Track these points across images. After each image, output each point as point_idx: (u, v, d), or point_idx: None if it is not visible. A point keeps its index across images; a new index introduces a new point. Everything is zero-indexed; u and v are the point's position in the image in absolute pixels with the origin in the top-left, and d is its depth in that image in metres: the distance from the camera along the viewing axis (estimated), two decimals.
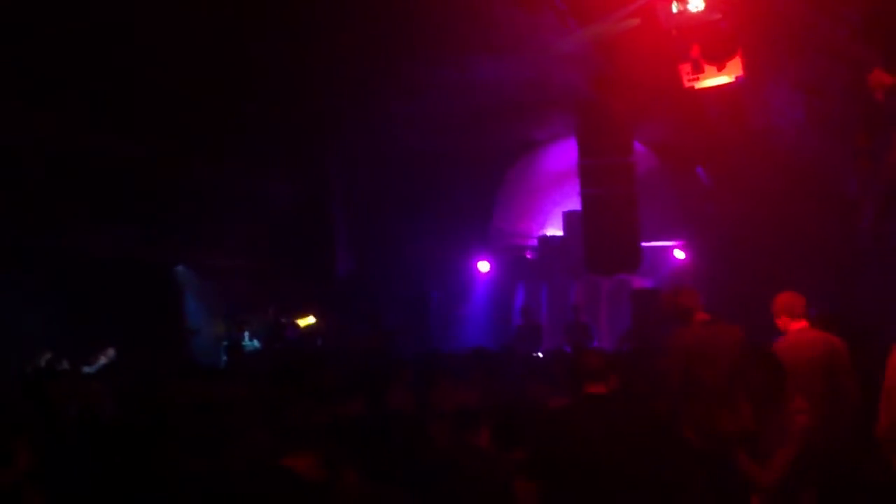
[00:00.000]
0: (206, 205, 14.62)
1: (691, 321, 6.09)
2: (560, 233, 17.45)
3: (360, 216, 15.45)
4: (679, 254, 14.94)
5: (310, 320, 14.99)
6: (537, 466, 4.41)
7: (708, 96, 10.51)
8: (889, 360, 5.25)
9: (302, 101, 13.40)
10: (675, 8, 9.16)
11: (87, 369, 10.12)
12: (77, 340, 11.82)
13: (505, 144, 15.91)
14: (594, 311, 15.48)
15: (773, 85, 10.21)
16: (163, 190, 13.51)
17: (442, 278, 16.76)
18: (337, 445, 4.20)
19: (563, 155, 15.05)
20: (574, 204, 14.52)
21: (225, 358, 13.95)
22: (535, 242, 17.74)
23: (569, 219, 16.07)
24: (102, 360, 10.49)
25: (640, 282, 15.44)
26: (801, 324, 5.93)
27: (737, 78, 9.43)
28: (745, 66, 9.25)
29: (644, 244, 12.95)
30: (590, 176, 12.78)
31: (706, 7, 8.88)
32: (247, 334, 14.55)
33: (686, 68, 9.61)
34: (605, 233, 12.68)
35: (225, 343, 14.45)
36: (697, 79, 9.61)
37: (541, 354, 13.29)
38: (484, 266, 16.68)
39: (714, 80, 9.55)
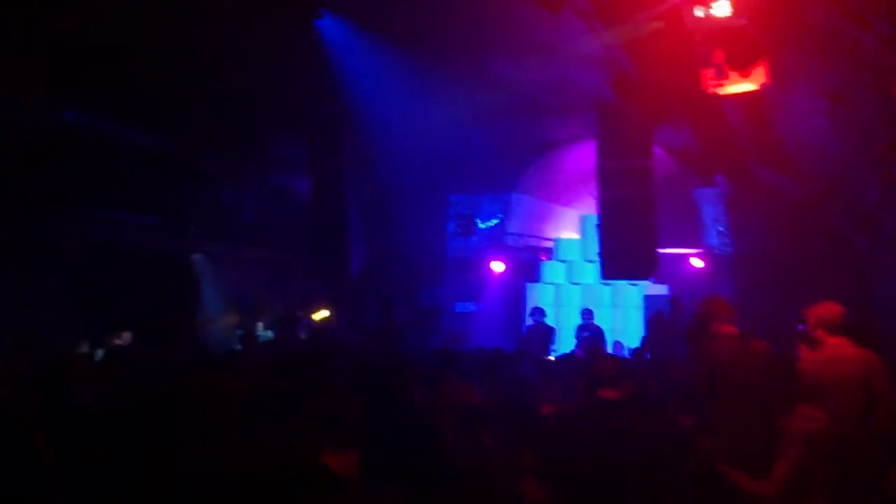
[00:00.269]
0: (222, 195, 14.68)
1: (719, 334, 6.05)
2: (576, 236, 17.41)
3: (375, 212, 15.44)
4: (696, 262, 14.84)
5: (324, 314, 14.99)
6: (549, 469, 4.38)
7: (730, 102, 10.43)
8: None
9: (319, 98, 13.44)
10: (699, 12, 9.08)
11: (100, 353, 10.10)
12: (95, 327, 11.87)
13: (523, 144, 15.87)
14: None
15: (796, 92, 10.09)
16: (179, 180, 13.56)
17: (455, 277, 16.75)
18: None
19: (581, 157, 14.97)
20: (591, 207, 14.45)
21: (239, 347, 13.97)
22: (550, 244, 17.71)
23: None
24: (116, 343, 10.48)
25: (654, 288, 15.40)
26: (839, 338, 5.70)
27: (761, 85, 9.34)
28: (770, 73, 9.16)
29: (661, 251, 12.83)
30: (607, 179, 12.65)
31: (731, 12, 8.79)
32: (261, 325, 14.56)
33: (709, 73, 9.53)
34: (621, 237, 12.56)
35: (240, 332, 14.46)
36: (721, 84, 9.53)
37: (553, 357, 13.26)
38: (498, 266, 16.64)
39: (738, 86, 9.47)
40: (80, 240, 12.80)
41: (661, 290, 15.29)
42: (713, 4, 8.95)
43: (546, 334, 14.12)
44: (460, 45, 12.03)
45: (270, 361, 8.73)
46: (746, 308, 10.73)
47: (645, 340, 13.41)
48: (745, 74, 9.17)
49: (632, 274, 13.57)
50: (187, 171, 13.71)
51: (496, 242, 17.08)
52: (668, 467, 4.25)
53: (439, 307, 16.32)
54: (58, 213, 12.42)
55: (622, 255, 12.64)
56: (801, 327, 6.09)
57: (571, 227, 17.85)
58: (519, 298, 16.66)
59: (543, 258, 17.48)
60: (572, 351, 13.45)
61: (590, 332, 13.85)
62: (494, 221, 17.29)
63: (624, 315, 16.03)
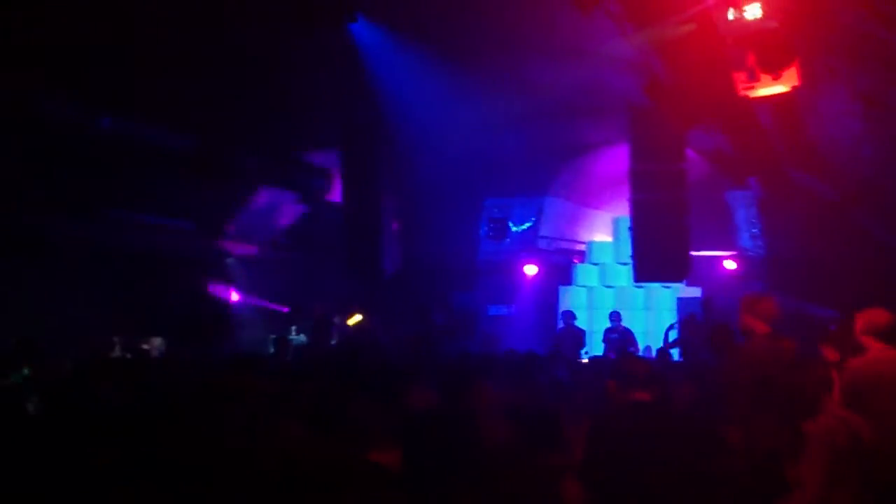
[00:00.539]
0: (256, 199, 14.84)
1: (752, 332, 6.10)
2: (609, 238, 17.41)
3: (408, 215, 15.53)
4: (729, 264, 14.80)
5: (357, 318, 15.11)
6: (586, 469, 4.44)
7: (762, 104, 10.41)
8: None
9: (353, 101, 13.56)
10: (731, 15, 9.09)
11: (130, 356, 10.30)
12: (129, 331, 12.08)
13: (556, 147, 15.89)
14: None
15: (829, 95, 10.07)
16: (213, 183, 13.72)
17: (488, 280, 16.81)
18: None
19: (614, 160, 14.98)
20: (624, 210, 14.46)
21: (273, 350, 14.13)
22: (583, 247, 17.72)
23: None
24: (146, 348, 10.66)
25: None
26: (884, 344, 5.52)
27: (793, 87, 9.33)
28: (802, 76, 9.14)
29: (693, 253, 12.82)
30: (640, 181, 12.65)
31: (763, 15, 8.79)
32: (294, 329, 14.70)
33: (741, 76, 9.53)
34: (654, 240, 12.56)
35: (273, 336, 14.62)
36: (752, 87, 9.52)
37: (585, 360, 13.29)
38: (531, 269, 16.68)
39: (770, 89, 9.45)
40: (116, 244, 13.00)
41: (694, 292, 15.26)
42: (745, 7, 8.95)
43: (577, 337, 14.17)
44: (493, 49, 12.09)
45: (302, 364, 8.85)
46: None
47: (669, 341, 13.46)
48: (776, 77, 9.15)
49: (665, 276, 13.57)
50: (222, 174, 13.85)
51: (529, 246, 17.11)
52: (700, 467, 4.30)
53: (473, 311, 16.39)
54: (94, 218, 12.63)
55: (655, 257, 12.65)
56: (832, 328, 6.09)
57: (604, 230, 17.85)
58: (552, 301, 16.68)
59: (576, 261, 17.49)
60: (603, 353, 13.50)
61: (618, 335, 13.89)
62: (527, 225, 17.33)
63: (657, 318, 16.01)
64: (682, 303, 15.08)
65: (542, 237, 17.30)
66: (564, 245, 17.76)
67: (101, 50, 10.70)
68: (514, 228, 17.33)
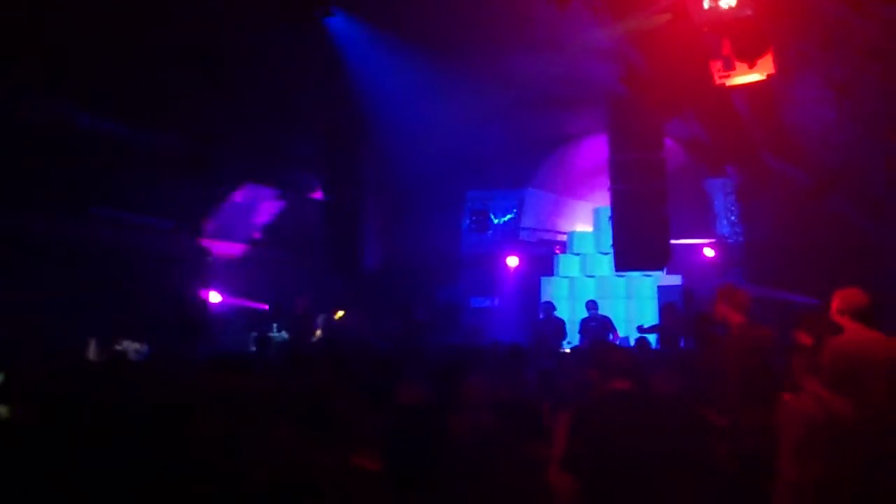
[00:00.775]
0: (236, 197, 14.82)
1: (728, 323, 6.26)
2: (589, 228, 17.49)
3: (390, 209, 15.56)
4: (708, 252, 14.91)
5: (340, 313, 15.12)
6: (571, 459, 4.49)
7: (738, 93, 10.49)
8: None
9: (333, 96, 13.55)
10: (706, 4, 9.16)
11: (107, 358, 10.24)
12: (108, 329, 12.02)
13: (536, 138, 15.95)
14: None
15: (803, 82, 10.16)
16: (194, 181, 13.70)
17: (471, 272, 16.86)
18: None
19: (593, 150, 15.05)
20: (604, 200, 14.53)
21: (255, 349, 14.11)
22: (564, 237, 17.80)
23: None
24: (120, 349, 10.61)
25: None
26: (860, 324, 5.68)
27: (768, 75, 9.41)
28: (777, 63, 9.22)
29: (673, 242, 12.91)
30: (620, 171, 12.73)
31: (737, 4, 8.87)
32: (275, 326, 14.69)
33: (717, 65, 9.61)
34: (634, 229, 12.64)
35: (254, 334, 14.60)
36: (728, 76, 9.60)
37: (568, 350, 13.38)
38: (513, 261, 16.73)
39: (745, 77, 9.54)
40: (95, 242, 12.94)
41: (674, 280, 15.37)
42: None
43: (558, 327, 14.25)
44: (472, 41, 12.11)
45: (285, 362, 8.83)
46: (757, 296, 10.83)
47: (651, 328, 13.57)
48: (752, 65, 9.24)
49: (645, 265, 13.65)
50: (202, 172, 13.82)
51: (511, 237, 17.17)
52: (685, 452, 4.36)
53: (456, 304, 16.43)
54: (71, 216, 12.58)
55: (635, 246, 12.73)
56: (806, 313, 6.18)
57: (585, 221, 17.93)
58: (534, 292, 16.75)
59: (558, 252, 17.56)
60: (580, 343, 13.62)
61: (597, 323, 13.99)
62: (509, 216, 17.39)
63: (638, 306, 16.12)
64: (663, 291, 15.18)
65: (524, 228, 17.35)
66: (546, 236, 17.82)
67: (80, 47, 10.66)
68: (495, 220, 17.38)
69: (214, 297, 15.61)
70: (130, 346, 11.44)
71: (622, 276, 15.90)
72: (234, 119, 13.30)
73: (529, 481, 4.69)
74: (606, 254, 15.54)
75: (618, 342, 13.37)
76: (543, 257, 17.37)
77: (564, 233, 17.95)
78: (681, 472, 4.33)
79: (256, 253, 16.24)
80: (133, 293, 13.08)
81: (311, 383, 6.73)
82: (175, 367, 9.03)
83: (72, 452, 4.61)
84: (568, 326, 14.53)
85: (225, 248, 15.86)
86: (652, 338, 13.40)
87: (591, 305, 14.37)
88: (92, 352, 10.94)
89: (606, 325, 14.05)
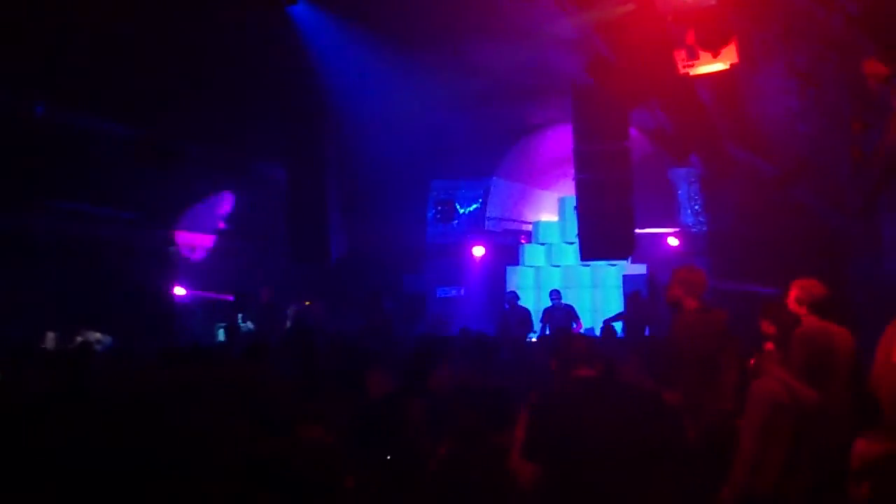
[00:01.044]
0: (200, 187, 14.68)
1: (683, 307, 6.34)
2: (555, 218, 17.53)
3: (354, 199, 15.48)
4: (673, 241, 15.00)
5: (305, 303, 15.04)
6: (531, 446, 4.49)
7: (703, 82, 10.54)
8: (879, 346, 5.29)
9: (295, 85, 13.45)
10: None
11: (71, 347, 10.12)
12: (70, 320, 11.88)
13: (501, 128, 15.94)
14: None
15: (767, 72, 10.23)
16: (155, 171, 13.55)
17: (436, 262, 16.84)
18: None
19: (559, 140, 15.07)
20: (569, 189, 14.55)
21: (223, 340, 14.05)
22: (529, 227, 17.82)
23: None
24: (82, 340, 10.48)
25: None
26: (818, 314, 5.63)
27: (731, 65, 9.46)
28: (740, 53, 9.27)
29: (638, 231, 12.97)
30: (585, 161, 12.75)
31: None
32: (240, 316, 14.59)
33: (681, 54, 9.63)
34: (599, 219, 12.68)
35: (223, 325, 14.52)
36: (692, 65, 9.64)
37: (534, 339, 13.41)
38: (479, 250, 16.73)
39: (709, 66, 9.57)
40: (55, 234, 12.79)
41: (639, 269, 15.45)
42: None
43: (523, 317, 14.28)
44: (436, 30, 12.05)
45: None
46: (720, 285, 10.92)
47: (615, 317, 13.65)
48: (715, 54, 9.27)
49: (610, 254, 13.71)
50: (163, 162, 13.67)
51: (476, 227, 17.16)
52: (646, 435, 4.38)
53: (422, 293, 16.41)
54: (31, 208, 12.40)
55: (600, 236, 12.77)
56: (769, 301, 6.24)
57: (550, 210, 17.97)
58: (500, 282, 16.77)
59: (523, 241, 17.59)
60: (545, 332, 13.66)
61: (561, 312, 14.03)
62: (474, 206, 17.37)
63: (604, 295, 16.21)
64: (628, 280, 15.27)
65: (490, 218, 17.35)
66: (511, 226, 17.84)
67: (39, 36, 10.50)
68: (461, 210, 17.35)
69: (179, 288, 15.48)
70: (92, 337, 11.30)
71: (587, 265, 15.98)
72: (196, 108, 13.15)
73: (492, 469, 4.68)
74: (572, 243, 15.60)
75: (581, 331, 13.42)
76: (509, 247, 17.40)
77: (530, 222, 17.99)
78: (644, 458, 4.34)
79: (220, 243, 16.12)
80: (95, 285, 12.95)
81: (272, 372, 6.72)
82: (138, 357, 8.93)
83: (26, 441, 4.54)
84: (533, 316, 14.56)
85: (188, 239, 15.73)
86: (618, 326, 13.48)
87: (555, 295, 14.41)
88: (50, 343, 10.80)
89: (570, 313, 14.10)
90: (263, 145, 15.21)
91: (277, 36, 12.48)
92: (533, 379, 6.69)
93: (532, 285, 16.63)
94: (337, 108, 14.02)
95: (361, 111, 13.98)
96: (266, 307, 14.37)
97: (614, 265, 15.86)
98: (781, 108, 10.48)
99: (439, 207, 17.20)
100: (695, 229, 14.65)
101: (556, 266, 16.93)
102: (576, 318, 14.06)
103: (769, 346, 5.74)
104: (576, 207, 13.21)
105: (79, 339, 10.85)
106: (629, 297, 14.35)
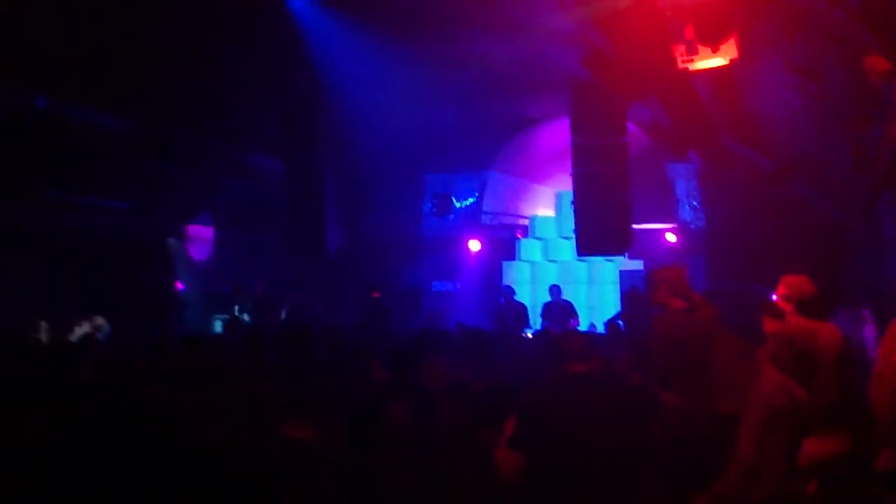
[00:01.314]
0: (196, 178, 14.63)
1: (668, 307, 6.22)
2: (551, 213, 17.47)
3: (350, 192, 15.44)
4: (670, 237, 14.95)
5: None
6: (520, 438, 4.47)
7: (701, 77, 10.48)
8: (882, 344, 5.24)
9: (292, 77, 13.40)
10: None
11: (70, 337, 10.04)
12: (66, 312, 11.82)
13: (498, 122, 15.88)
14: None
15: (767, 67, 10.16)
16: (152, 163, 13.51)
17: (432, 256, 16.78)
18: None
19: (556, 134, 15.02)
20: (566, 184, 14.50)
21: (222, 331, 14.01)
22: (526, 222, 17.77)
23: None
24: (85, 329, 10.40)
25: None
26: (807, 312, 5.66)
27: (731, 60, 9.41)
28: (740, 48, 9.22)
29: (635, 226, 12.93)
30: (582, 155, 12.73)
31: None
32: (237, 308, 14.55)
33: (680, 49, 9.60)
34: (596, 213, 12.65)
35: (224, 317, 14.48)
36: (692, 60, 9.60)
37: (529, 335, 13.35)
38: (475, 245, 16.68)
39: (708, 61, 9.54)
40: (53, 226, 12.74)
41: (636, 265, 15.39)
42: None
43: (519, 312, 14.21)
44: (434, 24, 12.00)
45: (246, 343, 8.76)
46: (719, 281, 10.88)
47: (615, 317, 13.57)
48: (714, 49, 9.24)
49: (607, 250, 13.68)
50: (160, 153, 13.64)
51: (472, 221, 17.10)
52: (636, 432, 4.37)
53: (417, 287, 16.36)
54: (29, 200, 12.36)
55: (597, 231, 12.75)
56: (774, 298, 6.14)
57: (547, 205, 17.91)
58: (496, 277, 16.72)
59: (519, 236, 17.54)
60: (544, 327, 13.57)
61: (559, 309, 13.96)
62: (471, 200, 17.30)
63: (600, 291, 16.15)
64: (625, 276, 15.20)
65: (486, 212, 17.29)
66: (507, 220, 17.78)
67: (35, 29, 10.45)
68: (457, 204, 17.29)
69: (174, 279, 15.43)
70: (94, 324, 11.23)
71: (584, 260, 15.93)
72: (192, 100, 13.11)
73: (480, 464, 4.66)
74: (568, 238, 15.54)
75: (577, 328, 13.36)
76: (505, 241, 17.35)
77: (526, 217, 17.93)
78: (630, 453, 4.34)
79: (216, 235, 16.06)
80: (91, 276, 12.89)
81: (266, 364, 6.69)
82: (134, 347, 8.88)
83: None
84: (529, 311, 14.50)
85: (184, 230, 15.67)
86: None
87: (555, 290, 14.32)
88: (43, 333, 10.73)
89: (569, 310, 14.04)
90: (260, 138, 15.17)
91: (275, 28, 12.43)
92: (528, 374, 6.67)
93: (528, 280, 16.58)
94: (333, 101, 13.97)
95: (358, 104, 13.93)
96: (261, 299, 14.33)
97: (611, 261, 15.80)
98: (781, 104, 10.42)
99: (435, 201, 17.12)
100: (693, 225, 14.61)
101: (553, 261, 16.88)
102: (574, 314, 13.99)
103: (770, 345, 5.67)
104: (573, 202, 13.17)
105: (80, 328, 10.78)
106: (626, 293, 14.30)
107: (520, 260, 17.13)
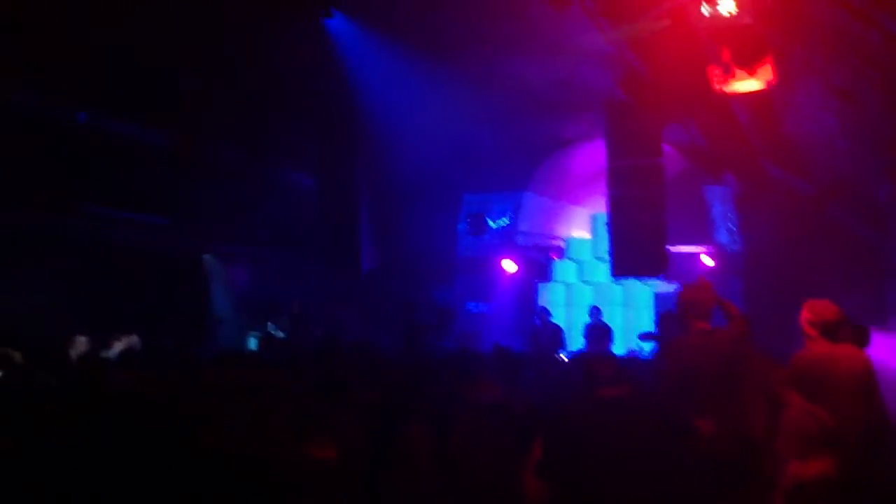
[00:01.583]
0: (233, 195, 14.77)
1: (690, 328, 6.11)
2: (587, 234, 17.41)
3: (386, 210, 15.51)
4: (707, 260, 14.82)
5: None
6: (547, 465, 4.44)
7: (738, 99, 10.42)
8: None
9: (330, 96, 13.51)
10: (705, 10, 9.09)
11: (105, 353, 10.14)
12: (103, 327, 11.95)
13: (534, 142, 15.88)
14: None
15: (805, 90, 10.10)
16: (190, 178, 13.66)
17: (466, 276, 16.78)
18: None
19: (591, 155, 14.98)
20: (602, 205, 14.45)
21: (258, 348, 14.11)
22: (561, 243, 17.71)
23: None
24: (121, 346, 10.50)
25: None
26: (833, 336, 5.49)
27: (768, 83, 9.34)
28: (777, 71, 9.15)
29: (671, 249, 12.84)
30: (617, 177, 12.67)
31: (737, 10, 8.80)
32: (271, 325, 14.64)
33: (716, 71, 9.54)
34: (631, 235, 12.58)
35: (258, 334, 14.58)
36: (728, 82, 9.53)
37: (564, 357, 13.27)
38: (509, 265, 16.64)
39: (745, 84, 9.47)
40: (91, 239, 12.90)
41: (671, 288, 15.26)
42: (719, 2, 8.95)
43: (555, 334, 14.14)
44: (471, 44, 12.08)
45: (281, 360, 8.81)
46: (756, 305, 10.77)
47: (648, 335, 13.44)
48: (751, 72, 9.17)
49: (642, 272, 13.57)
50: (199, 169, 13.79)
51: (507, 241, 17.07)
52: (666, 458, 4.31)
53: (452, 307, 16.35)
54: (69, 213, 12.53)
55: (632, 253, 12.66)
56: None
57: (582, 226, 17.84)
58: (530, 298, 16.67)
59: (554, 257, 17.47)
60: (582, 350, 13.47)
61: (598, 331, 13.86)
62: (505, 220, 17.28)
63: (636, 314, 16.03)
64: (660, 299, 15.08)
65: (521, 233, 17.26)
66: (542, 241, 17.72)
67: (76, 43, 10.63)
68: (492, 224, 17.28)
69: (210, 295, 15.58)
70: (130, 342, 11.34)
71: (619, 283, 15.82)
72: (231, 116, 13.26)
73: (510, 486, 4.64)
74: (603, 260, 15.46)
75: (611, 350, 13.27)
76: (540, 262, 17.30)
77: (561, 238, 17.87)
78: (660, 480, 4.29)
79: (252, 251, 16.19)
80: (127, 291, 13.03)
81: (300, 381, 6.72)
82: (171, 363, 8.96)
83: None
84: (564, 333, 14.42)
85: (220, 246, 15.81)
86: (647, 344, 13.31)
87: (595, 312, 14.22)
88: (81, 347, 10.84)
89: (606, 332, 13.94)
90: (298, 156, 15.30)
91: (313, 47, 12.56)
92: (558, 398, 6.63)
93: (563, 302, 16.50)
94: (370, 120, 14.06)
95: (394, 123, 14.01)
96: (297, 316, 14.40)
97: (647, 283, 15.68)
98: (819, 127, 10.35)
99: (470, 220, 17.13)
100: (729, 248, 14.48)
101: (588, 283, 16.80)
102: (610, 337, 13.87)
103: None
104: (608, 224, 13.11)
105: (119, 343, 10.89)
106: (662, 316, 14.17)
107: (555, 281, 17.06)
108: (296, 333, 14.12)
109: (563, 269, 17.17)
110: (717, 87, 9.57)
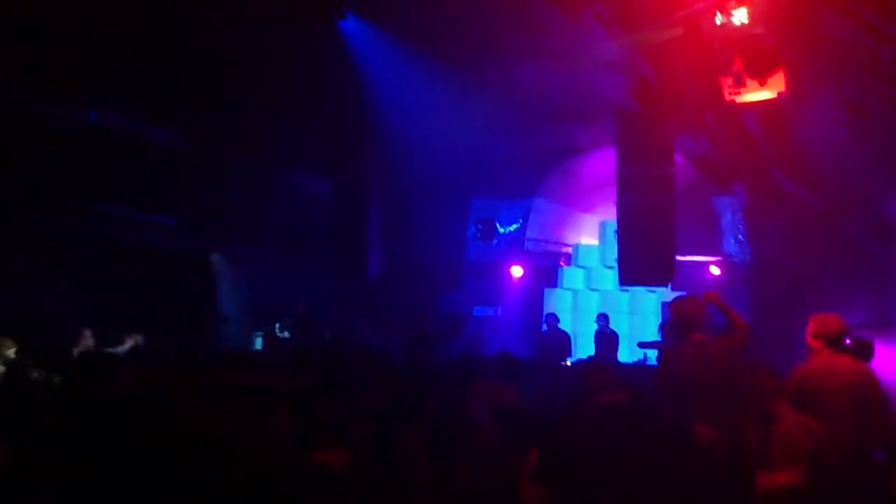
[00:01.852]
0: (242, 196, 14.81)
1: (687, 339, 6.12)
2: (595, 242, 17.40)
3: (395, 215, 15.52)
4: (714, 270, 14.81)
5: None
6: (544, 470, 4.44)
7: (749, 110, 10.42)
8: None
9: (342, 99, 13.53)
10: (718, 20, 9.10)
11: (111, 350, 10.19)
12: (110, 325, 11.99)
13: (544, 149, 15.89)
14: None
15: (815, 102, 10.09)
16: (199, 179, 13.70)
17: (474, 281, 16.78)
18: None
19: (601, 163, 14.99)
20: (611, 213, 14.45)
21: (262, 348, 14.14)
22: (569, 250, 17.70)
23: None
24: (129, 343, 10.54)
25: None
26: (836, 349, 5.61)
27: (779, 94, 9.33)
28: (788, 82, 9.15)
29: (679, 258, 12.83)
30: (627, 185, 12.67)
31: (750, 21, 8.80)
32: (277, 326, 14.66)
33: (728, 81, 9.52)
34: (639, 244, 12.57)
35: (262, 334, 14.60)
36: (739, 92, 9.52)
37: (569, 363, 13.26)
38: (517, 271, 16.65)
39: (756, 94, 9.45)
40: (100, 238, 12.95)
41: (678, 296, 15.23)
42: (732, 12, 8.96)
43: (562, 340, 14.12)
44: (482, 51, 12.08)
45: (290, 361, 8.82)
46: (762, 316, 10.76)
47: (651, 343, 13.41)
48: (762, 83, 9.15)
49: (650, 280, 13.57)
50: (208, 171, 13.84)
51: (516, 247, 17.08)
52: (663, 464, 4.31)
53: (460, 312, 16.34)
54: (78, 213, 12.58)
55: (640, 261, 12.66)
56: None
57: (591, 233, 17.84)
58: (537, 304, 16.65)
59: (562, 264, 17.47)
60: (590, 356, 13.45)
61: (606, 338, 13.86)
62: (514, 226, 17.30)
63: (642, 321, 16.00)
64: (666, 307, 15.03)
65: (529, 239, 17.26)
66: (551, 247, 17.72)
67: (91, 44, 10.67)
68: (501, 230, 17.30)
69: (217, 295, 15.61)
70: (136, 339, 11.38)
71: (627, 290, 15.81)
72: (242, 118, 13.29)
73: (505, 491, 4.65)
74: (611, 268, 15.46)
75: (617, 357, 13.27)
76: (548, 269, 17.29)
77: (570, 245, 17.86)
78: (660, 487, 4.29)
79: (262, 253, 16.22)
80: (135, 290, 13.07)
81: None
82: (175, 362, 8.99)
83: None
84: (572, 340, 14.40)
85: (230, 248, 15.85)
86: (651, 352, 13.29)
87: (603, 319, 14.20)
88: (87, 341, 10.88)
89: (613, 340, 13.93)
90: (308, 159, 15.33)
91: (326, 50, 12.57)
92: (557, 404, 6.64)
93: (570, 308, 16.48)
94: (381, 124, 14.08)
95: (405, 128, 14.01)
96: (302, 318, 14.42)
97: (653, 292, 15.67)
98: (829, 139, 10.34)
99: (479, 226, 17.15)
100: (737, 259, 14.47)
101: (595, 290, 16.78)
102: (616, 345, 13.87)
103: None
104: (616, 231, 13.10)
105: (129, 340, 10.93)
106: (664, 325, 14.17)
107: (562, 288, 17.05)
108: (300, 334, 14.13)
109: (571, 276, 17.15)
110: (728, 96, 9.56)
